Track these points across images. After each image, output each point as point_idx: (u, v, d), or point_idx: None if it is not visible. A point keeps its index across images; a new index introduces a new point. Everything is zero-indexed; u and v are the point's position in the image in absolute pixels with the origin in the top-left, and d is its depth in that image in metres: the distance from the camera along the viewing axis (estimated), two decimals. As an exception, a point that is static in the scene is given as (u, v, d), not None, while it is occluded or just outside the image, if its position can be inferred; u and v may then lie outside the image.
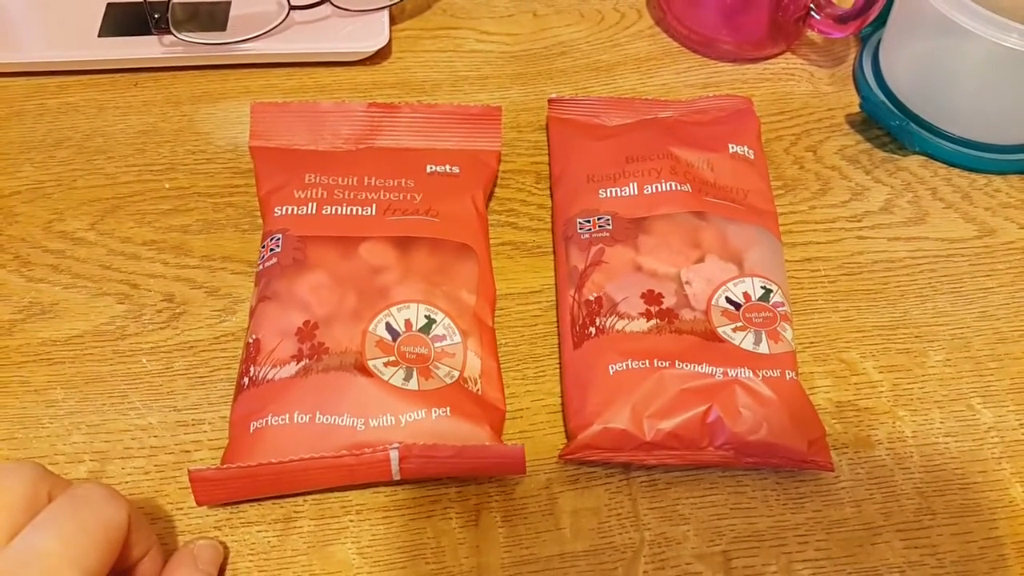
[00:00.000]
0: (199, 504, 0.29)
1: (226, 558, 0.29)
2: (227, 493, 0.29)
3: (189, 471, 0.27)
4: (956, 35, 0.37)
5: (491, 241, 0.36)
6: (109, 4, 0.43)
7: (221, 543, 0.29)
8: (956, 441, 0.32)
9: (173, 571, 0.26)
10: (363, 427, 0.28)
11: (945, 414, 0.33)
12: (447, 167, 0.37)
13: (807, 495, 0.31)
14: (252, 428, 0.29)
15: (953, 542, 0.30)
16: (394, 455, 0.28)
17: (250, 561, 0.29)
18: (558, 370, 0.33)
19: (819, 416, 0.31)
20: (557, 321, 0.35)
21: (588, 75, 0.44)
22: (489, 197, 0.38)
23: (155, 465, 0.31)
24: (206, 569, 0.27)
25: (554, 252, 0.37)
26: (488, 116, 0.38)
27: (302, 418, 0.29)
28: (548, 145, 0.40)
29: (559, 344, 0.34)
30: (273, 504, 0.30)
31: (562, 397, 0.33)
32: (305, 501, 0.30)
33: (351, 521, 0.30)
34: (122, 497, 0.25)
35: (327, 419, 0.28)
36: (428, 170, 0.36)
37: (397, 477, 0.28)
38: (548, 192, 0.39)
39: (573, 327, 0.33)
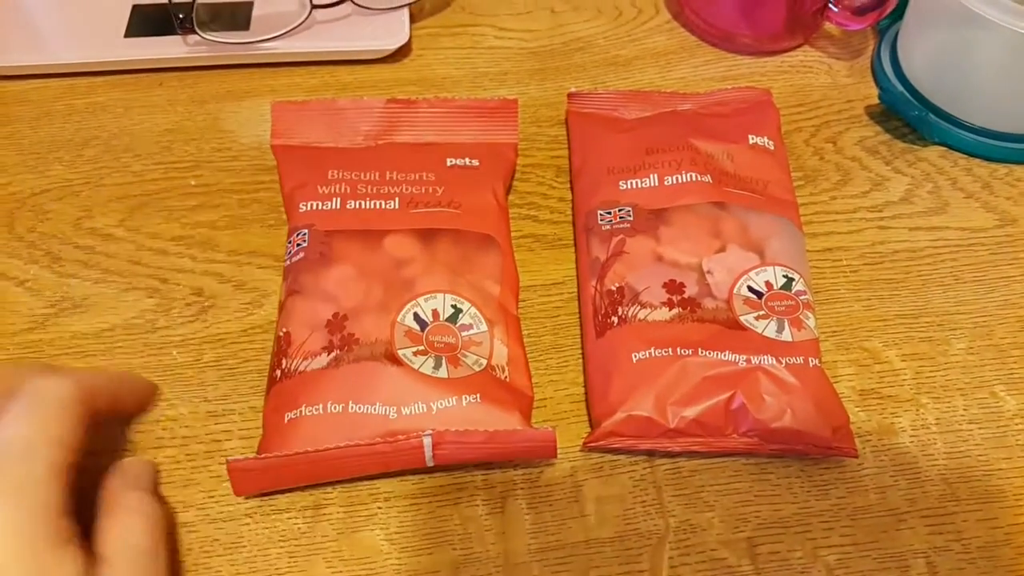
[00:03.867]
0: (237, 494, 0.29)
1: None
2: (264, 482, 0.29)
3: (228, 461, 0.28)
4: (975, 24, 0.37)
5: (512, 234, 0.37)
6: (135, 6, 0.44)
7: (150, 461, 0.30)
8: (980, 428, 0.32)
9: (105, 481, 0.28)
10: (395, 415, 0.29)
11: (968, 401, 0.33)
12: (466, 160, 0.37)
13: (831, 482, 0.31)
14: (287, 419, 0.29)
15: (978, 528, 0.30)
16: (427, 442, 0.28)
17: (281, 547, 0.29)
18: (581, 360, 0.34)
19: (843, 403, 0.31)
20: (579, 311, 0.35)
21: (606, 70, 0.44)
22: (508, 189, 0.39)
23: (186, 454, 0.31)
24: (137, 477, 0.28)
25: (575, 244, 0.37)
26: (505, 109, 0.39)
27: (335, 408, 0.29)
28: (568, 139, 0.40)
29: (581, 334, 0.34)
30: (303, 492, 0.30)
31: (585, 386, 0.33)
32: (334, 489, 0.31)
33: (379, 508, 0.30)
34: (67, 374, 0.27)
35: (360, 408, 0.29)
36: (448, 163, 0.37)
37: (431, 463, 0.29)
38: (568, 186, 0.39)
39: (595, 317, 0.33)
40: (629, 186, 0.36)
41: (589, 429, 0.32)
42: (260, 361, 0.33)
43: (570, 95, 0.40)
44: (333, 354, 0.30)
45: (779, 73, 0.44)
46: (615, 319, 0.32)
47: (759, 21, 0.44)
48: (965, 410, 0.33)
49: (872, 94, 0.43)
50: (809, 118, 0.42)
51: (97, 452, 0.27)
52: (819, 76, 0.44)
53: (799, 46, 0.45)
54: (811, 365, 0.31)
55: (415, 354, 0.31)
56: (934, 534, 0.30)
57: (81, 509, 0.25)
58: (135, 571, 0.25)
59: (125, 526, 0.26)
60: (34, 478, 0.24)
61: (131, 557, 0.25)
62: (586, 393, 0.33)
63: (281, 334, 0.31)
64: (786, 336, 0.31)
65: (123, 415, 0.31)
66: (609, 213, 0.35)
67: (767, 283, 0.33)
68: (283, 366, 0.31)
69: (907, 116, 0.40)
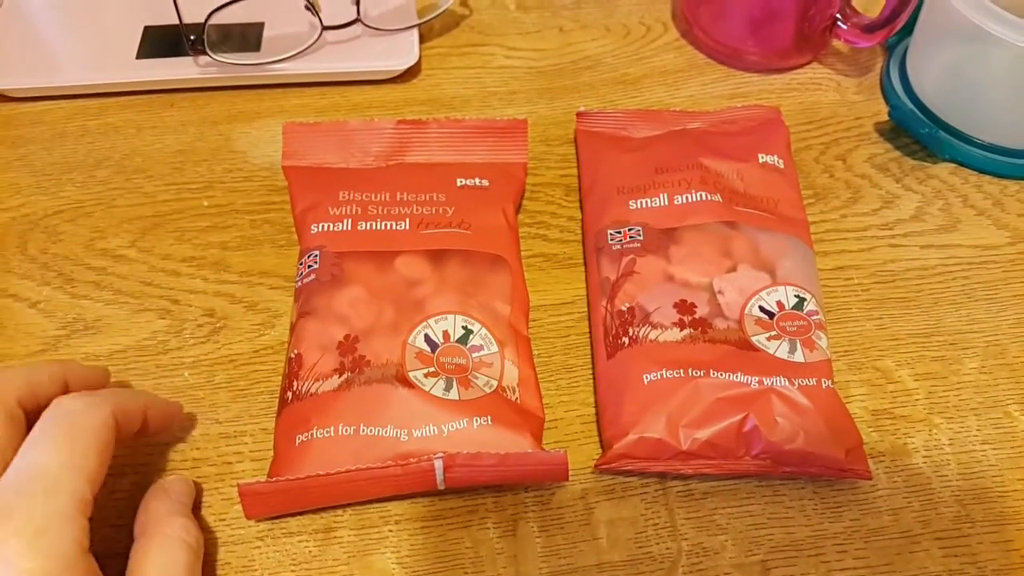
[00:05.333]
0: (248, 517, 0.29)
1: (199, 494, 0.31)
2: (276, 506, 0.29)
3: (238, 485, 0.28)
4: (985, 42, 0.37)
5: (522, 253, 0.37)
6: (147, 27, 0.44)
7: (195, 482, 0.30)
8: (994, 449, 0.32)
9: (148, 503, 0.28)
10: (406, 438, 0.29)
11: (982, 421, 0.33)
12: (477, 180, 0.37)
13: (844, 504, 0.31)
14: (298, 441, 0.29)
15: (994, 551, 0.30)
16: (439, 464, 0.28)
17: (292, 571, 0.29)
18: (591, 380, 0.34)
19: (856, 424, 0.31)
20: (589, 332, 0.35)
21: (615, 88, 0.44)
22: (518, 209, 0.39)
23: (198, 477, 0.31)
24: (179, 499, 0.28)
25: (585, 263, 0.37)
26: (514, 129, 0.39)
27: (347, 430, 0.29)
28: (577, 158, 0.41)
29: (592, 354, 0.34)
30: (314, 515, 0.30)
31: (596, 407, 0.33)
32: (345, 512, 0.30)
33: (390, 531, 0.30)
34: (102, 397, 0.27)
35: (371, 431, 0.29)
36: (458, 184, 0.37)
37: (442, 486, 0.29)
38: (578, 204, 0.39)
39: (606, 337, 0.33)
40: (639, 205, 0.36)
41: (600, 451, 0.32)
42: (271, 383, 0.33)
43: (579, 114, 0.40)
44: (344, 376, 0.30)
45: (788, 90, 0.44)
46: (626, 340, 0.32)
47: (767, 39, 0.44)
48: (979, 430, 0.33)
49: (881, 111, 0.43)
50: (818, 135, 0.42)
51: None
52: (828, 93, 0.44)
53: (807, 63, 0.45)
54: (824, 386, 0.31)
55: (426, 376, 0.31)
56: (949, 556, 0.30)
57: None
58: None
59: (169, 558, 0.26)
60: (60, 516, 0.23)
61: None
62: (597, 414, 0.33)
63: (292, 356, 0.32)
64: (798, 357, 0.31)
65: (149, 436, 0.30)
66: (619, 233, 0.35)
67: (779, 303, 0.33)
68: (294, 388, 0.31)
69: (917, 133, 0.40)
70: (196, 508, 0.30)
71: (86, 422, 0.25)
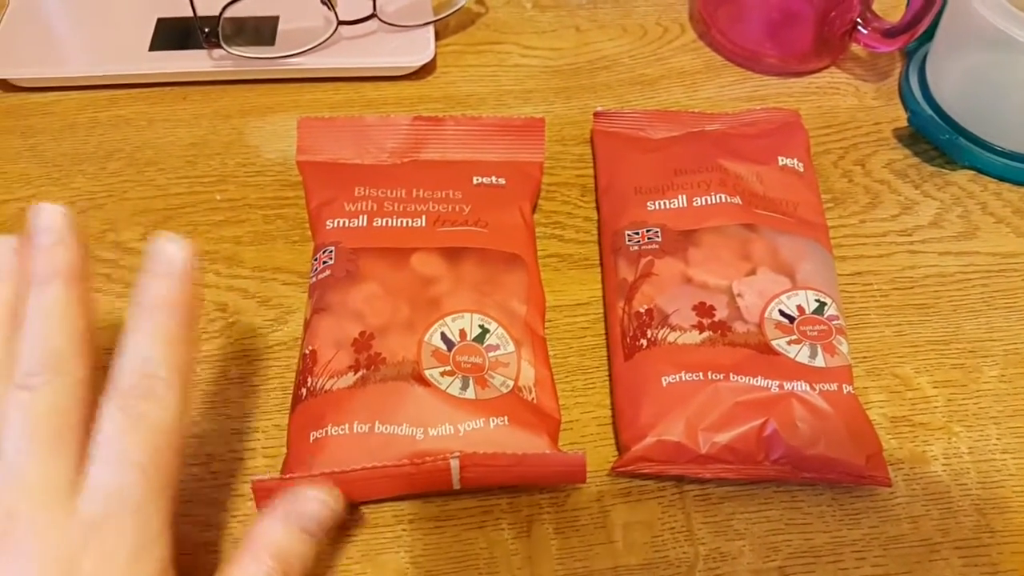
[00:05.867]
0: (260, 513, 0.29)
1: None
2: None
3: (252, 481, 0.28)
4: (1009, 47, 0.36)
5: (538, 253, 0.36)
6: (160, 19, 0.44)
7: (336, 500, 0.27)
8: (1014, 458, 0.32)
9: (262, 517, 0.26)
10: (422, 436, 0.28)
11: (1002, 430, 0.33)
12: (493, 178, 0.37)
13: (863, 511, 0.31)
14: (312, 438, 0.29)
15: (1014, 561, 0.30)
16: (455, 464, 0.28)
17: (304, 570, 0.29)
18: (607, 382, 0.33)
19: (876, 431, 0.31)
20: (606, 333, 0.35)
21: (632, 89, 0.44)
22: (534, 208, 0.38)
23: (210, 472, 0.31)
24: (297, 524, 0.26)
25: (601, 264, 0.37)
26: (531, 127, 0.38)
27: (361, 428, 0.29)
28: (593, 158, 0.40)
29: (608, 356, 0.34)
30: (326, 513, 0.30)
31: (612, 409, 0.33)
32: (358, 510, 0.30)
33: (403, 530, 0.30)
34: (172, 399, 0.25)
35: (386, 429, 0.29)
36: (475, 181, 0.37)
37: (458, 486, 0.28)
38: (594, 205, 0.39)
39: (623, 339, 0.33)
40: (657, 207, 0.35)
41: (616, 453, 0.32)
42: (284, 379, 0.33)
43: (596, 114, 0.40)
44: (359, 373, 0.30)
45: (806, 94, 0.43)
46: (644, 341, 0.32)
47: (786, 42, 0.44)
48: (999, 439, 0.32)
49: (900, 117, 0.42)
50: (837, 140, 0.42)
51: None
52: (846, 98, 0.43)
53: (826, 68, 0.45)
54: (845, 392, 0.30)
55: (442, 374, 0.30)
56: (968, 566, 0.30)
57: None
58: None
59: None
60: (152, 535, 0.23)
61: None
62: (613, 416, 0.32)
63: (307, 352, 0.31)
64: (819, 362, 0.31)
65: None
66: (637, 234, 0.35)
67: (799, 307, 0.32)
68: (308, 384, 0.30)
69: (936, 139, 0.40)
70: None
71: (162, 428, 0.24)
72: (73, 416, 0.24)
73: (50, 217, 0.26)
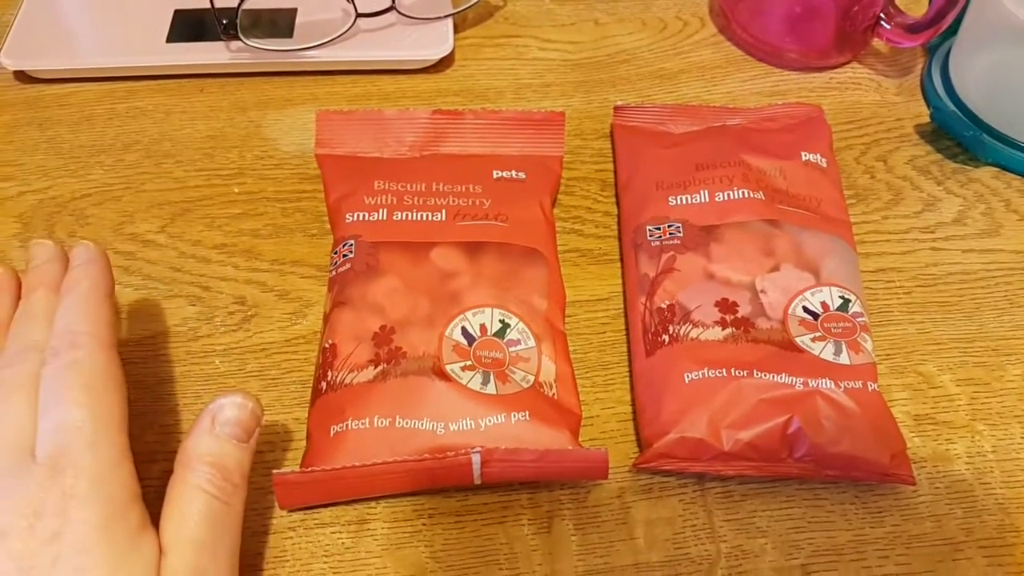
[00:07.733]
0: (282, 507, 0.29)
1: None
2: (310, 496, 0.29)
3: (273, 474, 0.27)
4: (1035, 44, 0.36)
5: (558, 248, 0.36)
6: (177, 10, 0.44)
7: (256, 403, 0.27)
8: (1039, 457, 0.32)
9: (188, 434, 0.26)
10: (443, 431, 0.28)
11: (1026, 429, 0.32)
12: (513, 172, 0.37)
13: (886, 509, 0.30)
14: (332, 432, 0.29)
15: (1039, 561, 0.29)
16: (476, 459, 0.28)
17: (324, 563, 0.29)
18: (628, 378, 0.33)
19: (900, 429, 0.30)
20: (626, 329, 0.34)
21: (651, 83, 0.43)
22: (554, 202, 0.38)
23: (229, 466, 0.31)
24: (221, 433, 0.26)
25: (622, 259, 0.36)
26: (551, 121, 0.38)
27: (382, 422, 0.28)
28: (613, 152, 0.40)
29: (629, 352, 0.34)
30: (346, 506, 0.30)
31: (633, 405, 0.32)
32: (378, 504, 0.30)
33: (424, 525, 0.30)
34: (91, 335, 0.26)
35: (407, 423, 0.28)
36: (495, 176, 0.37)
37: (478, 481, 0.28)
38: (614, 199, 0.39)
39: (645, 335, 0.32)
40: (679, 202, 0.35)
41: (637, 449, 0.32)
42: (303, 372, 0.33)
43: (616, 108, 0.40)
44: (380, 367, 0.30)
45: (827, 90, 0.43)
46: (666, 337, 0.32)
47: (807, 37, 0.43)
48: (1023, 438, 0.32)
49: (922, 112, 0.42)
50: (859, 136, 0.41)
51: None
52: (868, 93, 0.43)
53: (847, 63, 0.44)
54: (870, 389, 0.30)
55: (463, 369, 0.30)
56: (993, 566, 0.29)
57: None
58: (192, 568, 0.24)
59: (185, 510, 0.24)
60: (107, 464, 0.24)
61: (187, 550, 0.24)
62: (635, 412, 0.32)
63: (327, 346, 0.31)
64: (844, 359, 0.31)
65: None
66: (658, 229, 0.35)
67: (823, 304, 0.32)
68: (328, 378, 0.30)
69: (960, 136, 0.39)
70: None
71: (95, 370, 0.25)
72: (23, 378, 0.25)
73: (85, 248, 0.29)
